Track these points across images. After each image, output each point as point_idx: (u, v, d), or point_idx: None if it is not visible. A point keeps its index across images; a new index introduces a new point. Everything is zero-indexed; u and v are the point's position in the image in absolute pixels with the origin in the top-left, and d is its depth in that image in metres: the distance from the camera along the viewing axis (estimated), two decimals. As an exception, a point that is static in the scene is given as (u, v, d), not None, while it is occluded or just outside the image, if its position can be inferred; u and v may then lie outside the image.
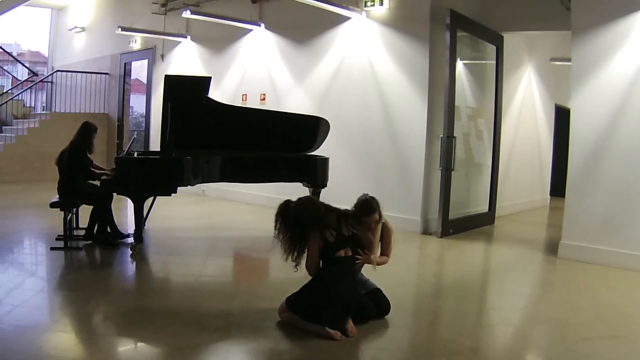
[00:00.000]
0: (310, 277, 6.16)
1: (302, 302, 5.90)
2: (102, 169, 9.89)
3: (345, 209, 6.36)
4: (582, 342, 5.89)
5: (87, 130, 9.55)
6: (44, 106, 23.02)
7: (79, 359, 5.22)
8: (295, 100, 13.57)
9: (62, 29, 23.38)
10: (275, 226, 6.22)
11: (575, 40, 9.49)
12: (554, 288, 8.49)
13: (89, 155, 9.60)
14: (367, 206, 6.32)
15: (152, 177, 8.89)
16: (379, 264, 6.38)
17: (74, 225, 10.05)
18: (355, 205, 6.38)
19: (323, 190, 10.30)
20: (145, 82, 19.65)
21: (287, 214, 6.18)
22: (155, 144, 16.64)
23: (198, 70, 16.08)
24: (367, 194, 6.44)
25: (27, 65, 23.68)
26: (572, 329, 6.31)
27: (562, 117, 16.09)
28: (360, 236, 6.24)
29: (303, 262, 6.18)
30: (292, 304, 6.00)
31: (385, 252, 6.46)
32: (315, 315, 5.74)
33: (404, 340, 6.03)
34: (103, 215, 9.59)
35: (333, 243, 6.06)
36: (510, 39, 12.96)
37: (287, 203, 6.27)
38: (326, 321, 5.65)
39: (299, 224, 6.11)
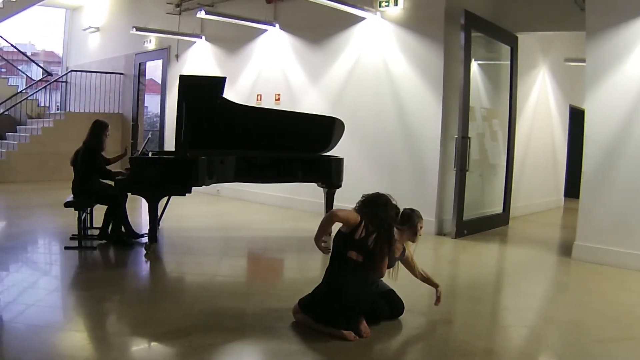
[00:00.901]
0: (322, 280, 6.10)
1: (315, 304, 5.89)
2: (116, 158, 9.94)
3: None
4: (596, 344, 5.88)
5: (98, 129, 9.57)
6: (58, 106, 23.10)
7: (92, 358, 5.23)
8: (310, 100, 13.58)
9: (76, 29, 23.44)
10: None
11: (590, 41, 9.46)
12: (568, 289, 8.45)
13: (102, 154, 9.65)
14: (415, 212, 6.44)
15: (167, 177, 8.90)
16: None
17: (88, 225, 10.09)
18: (404, 215, 6.40)
19: (338, 191, 10.31)
20: (159, 82, 19.70)
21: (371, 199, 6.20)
22: (169, 144, 16.74)
23: (213, 71, 16.11)
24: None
25: (41, 65, 23.70)
26: (586, 330, 6.29)
27: (576, 118, 16.10)
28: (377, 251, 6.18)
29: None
30: (305, 305, 6.00)
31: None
32: (328, 318, 5.75)
33: (418, 342, 6.05)
34: (117, 215, 9.60)
35: (355, 240, 5.93)
36: (525, 40, 12.92)
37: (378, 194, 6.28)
38: (339, 324, 5.66)
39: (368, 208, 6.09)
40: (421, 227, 6.46)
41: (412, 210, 6.45)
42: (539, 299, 7.82)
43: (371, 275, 6.22)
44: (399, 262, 6.45)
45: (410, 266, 6.61)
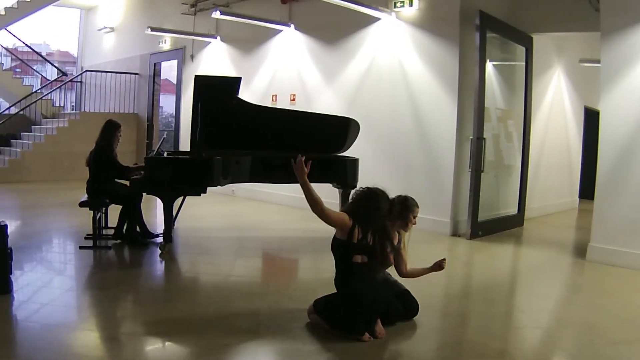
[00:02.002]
0: (339, 285, 6.11)
1: (331, 310, 5.89)
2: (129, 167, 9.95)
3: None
4: (610, 346, 5.87)
5: (110, 129, 9.60)
6: (73, 106, 23.19)
7: (106, 357, 5.29)
8: (325, 100, 13.60)
9: (91, 29, 23.54)
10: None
11: (605, 42, 9.44)
12: (582, 291, 8.43)
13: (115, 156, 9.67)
14: (410, 201, 6.47)
15: (182, 177, 8.94)
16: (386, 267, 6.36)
17: (103, 225, 10.12)
18: (397, 203, 6.39)
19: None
20: (174, 82, 19.74)
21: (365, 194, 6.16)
22: (185, 144, 16.74)
23: (228, 71, 16.15)
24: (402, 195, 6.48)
25: (56, 65, 23.78)
26: (600, 332, 6.28)
27: (591, 119, 16.03)
28: (378, 247, 6.17)
29: None
30: (320, 309, 6.00)
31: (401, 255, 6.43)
32: (344, 324, 5.75)
33: (432, 342, 6.04)
34: (132, 215, 9.64)
35: (355, 244, 5.94)
36: (540, 40, 12.90)
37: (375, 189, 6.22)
38: (356, 328, 5.67)
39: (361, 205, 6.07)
40: (414, 217, 6.47)
41: (405, 198, 6.47)
42: (553, 301, 7.81)
43: (381, 269, 6.26)
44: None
45: (401, 257, 6.50)
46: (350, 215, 5.95)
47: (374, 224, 5.98)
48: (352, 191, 6.43)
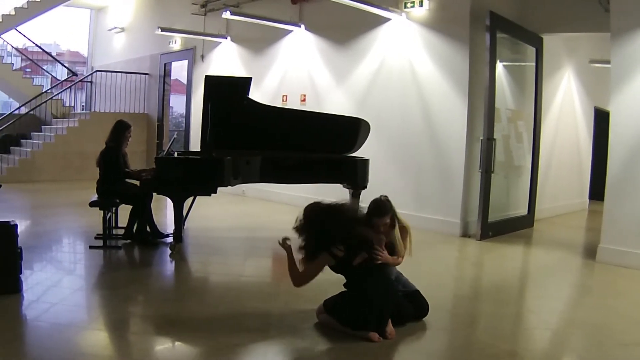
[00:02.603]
0: (347, 283, 6.11)
1: (341, 309, 5.90)
2: (137, 171, 9.94)
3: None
4: (620, 348, 5.87)
5: (119, 129, 9.62)
6: (83, 106, 23.24)
7: (116, 357, 5.32)
8: (335, 101, 13.60)
9: (101, 29, 23.61)
10: (297, 223, 6.21)
11: (615, 42, 9.41)
12: (592, 292, 8.41)
13: (124, 157, 9.69)
14: (379, 208, 6.28)
15: (193, 177, 8.96)
16: (393, 264, 6.35)
17: (113, 225, 10.16)
18: (369, 205, 6.34)
19: (363, 192, 10.29)
20: (185, 82, 19.76)
21: (313, 219, 6.15)
22: (195, 144, 16.73)
23: (238, 71, 16.16)
24: (383, 196, 6.41)
25: (66, 65, 23.84)
26: (609, 334, 6.28)
27: (601, 120, 16.01)
28: (370, 236, 6.16)
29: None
30: (330, 309, 6.01)
31: (397, 252, 6.37)
32: (353, 322, 5.76)
33: (442, 343, 6.05)
34: (143, 215, 9.66)
35: (343, 257, 5.93)
36: (550, 41, 12.87)
37: (316, 207, 6.23)
38: (366, 327, 5.67)
39: (319, 235, 6.05)
40: (383, 224, 6.27)
41: (376, 203, 6.36)
42: (563, 302, 7.81)
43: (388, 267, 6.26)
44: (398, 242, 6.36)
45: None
46: (320, 250, 6.00)
47: (347, 238, 6.00)
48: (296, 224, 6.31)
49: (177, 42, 18.93)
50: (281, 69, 15.16)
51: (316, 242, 6.04)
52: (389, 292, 5.97)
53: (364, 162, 10.26)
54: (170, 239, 9.48)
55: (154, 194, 9.63)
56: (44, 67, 24.45)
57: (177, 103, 24.96)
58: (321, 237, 6.00)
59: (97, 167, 9.57)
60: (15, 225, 6.76)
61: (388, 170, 12.19)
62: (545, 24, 12.21)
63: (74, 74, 22.48)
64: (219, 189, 8.96)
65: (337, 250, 5.89)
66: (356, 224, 6.17)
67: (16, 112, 19.84)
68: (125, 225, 9.84)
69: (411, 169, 12.07)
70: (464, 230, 11.31)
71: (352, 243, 5.98)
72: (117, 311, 6.53)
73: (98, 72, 21.17)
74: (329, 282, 6.36)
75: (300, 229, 6.17)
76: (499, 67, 11.54)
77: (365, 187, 10.26)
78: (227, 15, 13.69)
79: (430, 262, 8.06)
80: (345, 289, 6.08)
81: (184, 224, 9.87)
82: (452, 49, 11.39)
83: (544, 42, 12.58)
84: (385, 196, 6.40)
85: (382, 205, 6.28)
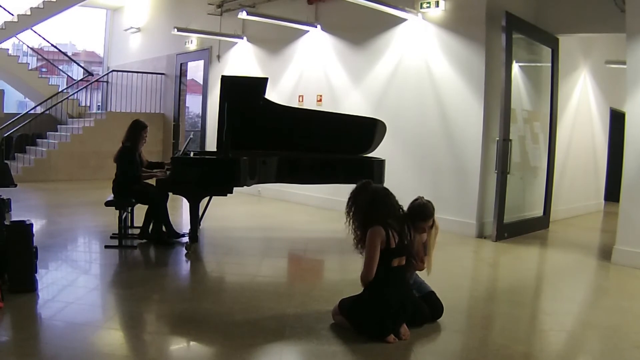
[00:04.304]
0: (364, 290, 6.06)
1: (357, 312, 5.89)
2: (152, 170, 9.96)
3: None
4: (635, 350, 5.83)
5: (136, 129, 9.64)
6: (99, 106, 23.32)
7: (131, 356, 5.34)
8: (352, 101, 13.61)
9: (117, 30, 23.70)
10: (348, 204, 6.20)
11: (630, 43, 9.37)
12: (608, 294, 8.37)
13: (140, 155, 9.71)
14: (425, 210, 6.25)
15: (209, 177, 8.98)
16: (419, 269, 6.36)
17: (129, 224, 10.20)
18: (412, 208, 6.29)
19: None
20: (201, 82, 19.80)
21: (360, 195, 6.16)
22: (211, 144, 16.79)
23: (254, 72, 16.19)
24: (423, 197, 6.39)
25: (82, 65, 23.92)
26: (625, 336, 6.24)
27: (617, 121, 15.97)
28: (413, 242, 6.18)
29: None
30: (346, 313, 6.00)
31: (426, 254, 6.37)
32: (369, 326, 5.76)
33: (457, 344, 6.03)
34: (158, 215, 9.68)
35: (393, 249, 5.88)
36: (566, 41, 12.83)
37: (366, 185, 6.24)
38: (382, 332, 5.67)
39: (368, 209, 6.02)
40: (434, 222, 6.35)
41: (423, 205, 6.35)
42: (578, 303, 7.77)
43: (411, 272, 6.26)
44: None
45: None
46: (374, 223, 5.91)
47: (399, 218, 6.00)
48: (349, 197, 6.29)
49: (193, 42, 18.98)
50: (297, 70, 15.17)
51: (364, 218, 6.00)
52: (406, 297, 5.95)
53: (380, 163, 10.27)
54: (186, 239, 9.49)
55: (170, 193, 9.65)
56: (60, 67, 24.57)
57: (193, 103, 25.04)
58: (371, 214, 5.97)
59: (114, 163, 9.59)
60: (31, 225, 6.79)
61: (404, 171, 12.20)
62: (561, 25, 12.17)
63: (90, 73, 22.59)
64: (235, 189, 8.98)
65: (392, 236, 5.85)
66: (398, 210, 6.16)
67: (32, 111, 20.00)
68: (141, 224, 9.86)
69: (427, 169, 12.07)
70: (479, 231, 11.29)
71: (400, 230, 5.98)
72: (132, 310, 6.56)
73: (114, 72, 21.28)
74: (345, 282, 6.40)
75: (351, 208, 6.16)
76: (515, 67, 11.51)
77: (382, 188, 10.27)
78: (243, 15, 13.70)
79: (446, 263, 8.06)
80: (361, 292, 6.04)
81: (199, 224, 9.88)
82: (468, 49, 11.38)
83: (559, 43, 12.54)
84: (424, 197, 6.40)
85: (426, 208, 6.29)
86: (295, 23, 14.51)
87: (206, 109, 18.52)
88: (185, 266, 8.71)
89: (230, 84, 9.33)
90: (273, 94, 14.09)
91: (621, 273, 9.09)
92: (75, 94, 21.19)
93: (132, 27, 22.21)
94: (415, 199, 6.35)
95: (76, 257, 9.20)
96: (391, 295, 5.79)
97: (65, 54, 24.52)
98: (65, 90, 21.39)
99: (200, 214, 9.64)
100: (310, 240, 10.83)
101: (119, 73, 20.92)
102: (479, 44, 11.21)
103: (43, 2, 19.32)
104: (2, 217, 7.25)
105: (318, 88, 14.54)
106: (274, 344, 5.73)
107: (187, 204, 9.14)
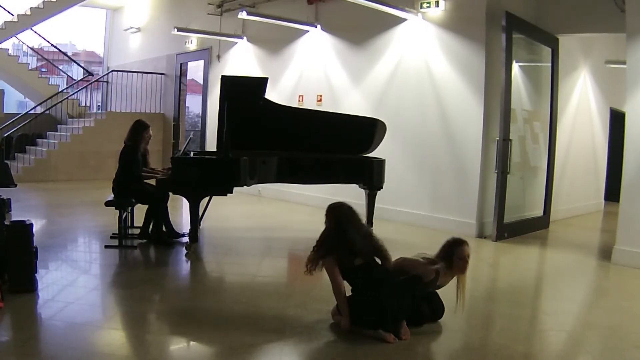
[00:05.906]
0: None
1: (356, 311, 5.91)
2: (153, 170, 10.00)
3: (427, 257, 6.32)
4: (635, 350, 5.84)
5: (138, 129, 9.64)
6: (99, 106, 23.32)
7: (131, 356, 5.36)
8: (351, 101, 13.60)
9: (117, 30, 23.68)
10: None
11: (630, 43, 9.38)
12: (608, 294, 8.37)
13: (145, 156, 9.73)
14: (457, 240, 6.25)
15: (209, 177, 8.99)
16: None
17: (129, 224, 10.20)
18: (446, 244, 6.29)
19: (379, 193, 10.31)
20: (201, 82, 19.80)
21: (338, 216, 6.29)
22: (211, 144, 16.77)
23: (254, 71, 16.19)
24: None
25: (82, 65, 23.92)
26: (625, 336, 6.26)
27: (617, 121, 15.97)
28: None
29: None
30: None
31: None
32: (369, 325, 5.77)
33: (457, 344, 6.05)
34: (158, 215, 9.68)
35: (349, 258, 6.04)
36: (566, 41, 12.84)
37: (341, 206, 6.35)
38: (382, 327, 5.68)
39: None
40: (466, 256, 6.25)
41: (453, 238, 6.36)
42: (578, 303, 7.78)
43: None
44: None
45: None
46: (330, 255, 6.13)
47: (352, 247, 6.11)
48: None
49: (193, 42, 18.98)
50: (297, 69, 15.17)
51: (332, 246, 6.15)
52: (401, 294, 5.93)
53: (380, 163, 10.29)
54: (186, 239, 9.47)
55: (170, 193, 9.66)
56: (60, 67, 24.56)
57: (193, 103, 25.02)
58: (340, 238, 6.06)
59: (118, 162, 9.60)
60: (31, 225, 6.80)
61: (404, 171, 12.20)
62: (560, 25, 12.18)
63: (90, 73, 22.59)
64: (235, 189, 8.98)
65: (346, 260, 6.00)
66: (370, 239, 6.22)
67: (32, 111, 19.98)
68: (141, 224, 9.86)
69: (427, 169, 12.06)
70: (479, 231, 11.29)
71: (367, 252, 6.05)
72: (132, 310, 6.58)
73: (114, 72, 21.26)
74: (345, 283, 6.36)
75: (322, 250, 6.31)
76: (515, 67, 11.52)
77: (382, 187, 10.31)
78: (243, 15, 13.71)
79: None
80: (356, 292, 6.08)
81: (199, 224, 9.88)
82: (468, 49, 11.39)
83: (559, 43, 12.54)
84: None
85: (456, 239, 6.27)
86: (295, 23, 14.52)
87: (206, 109, 18.52)
88: (185, 266, 8.71)
89: (230, 84, 9.34)
90: (273, 94, 14.08)
91: (621, 273, 9.09)
92: (75, 94, 21.19)
93: (132, 27, 22.20)
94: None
95: (76, 257, 9.22)
96: (385, 297, 5.78)
97: (65, 54, 24.51)
98: (65, 90, 21.39)
99: (200, 214, 9.63)
100: (310, 240, 10.73)
101: (119, 73, 20.89)
102: (479, 44, 11.22)
103: (43, 2, 19.32)
104: (2, 217, 7.25)
105: (318, 88, 14.53)
106: (274, 344, 5.74)
107: (187, 204, 9.13)
